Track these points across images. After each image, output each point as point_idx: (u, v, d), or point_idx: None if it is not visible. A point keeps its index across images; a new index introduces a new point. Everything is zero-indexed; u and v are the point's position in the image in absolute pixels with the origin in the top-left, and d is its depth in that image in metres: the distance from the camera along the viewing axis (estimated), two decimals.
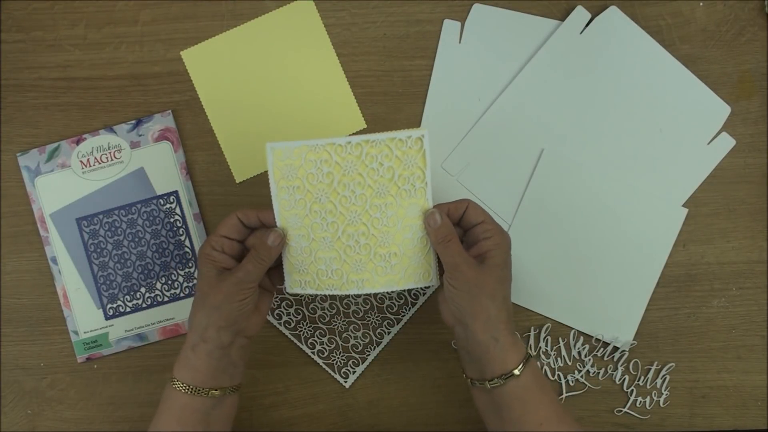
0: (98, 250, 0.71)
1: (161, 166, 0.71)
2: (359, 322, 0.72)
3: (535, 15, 0.72)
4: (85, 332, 0.71)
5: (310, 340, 0.72)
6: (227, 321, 0.58)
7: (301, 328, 0.72)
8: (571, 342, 0.72)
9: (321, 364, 0.71)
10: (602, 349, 0.72)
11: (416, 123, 0.72)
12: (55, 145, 0.71)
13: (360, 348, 0.72)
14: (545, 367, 0.72)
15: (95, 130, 0.71)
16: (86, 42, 0.72)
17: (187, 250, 0.72)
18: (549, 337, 0.72)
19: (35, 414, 0.71)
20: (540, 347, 0.72)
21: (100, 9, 0.72)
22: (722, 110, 0.72)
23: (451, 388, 0.72)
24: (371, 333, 0.72)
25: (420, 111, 0.72)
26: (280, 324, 0.71)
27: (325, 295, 0.71)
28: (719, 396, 0.72)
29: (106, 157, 0.71)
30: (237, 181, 0.72)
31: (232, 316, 0.58)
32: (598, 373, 0.72)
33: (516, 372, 0.57)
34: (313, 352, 0.71)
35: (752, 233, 0.72)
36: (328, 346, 0.71)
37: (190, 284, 0.72)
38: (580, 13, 0.71)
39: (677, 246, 0.72)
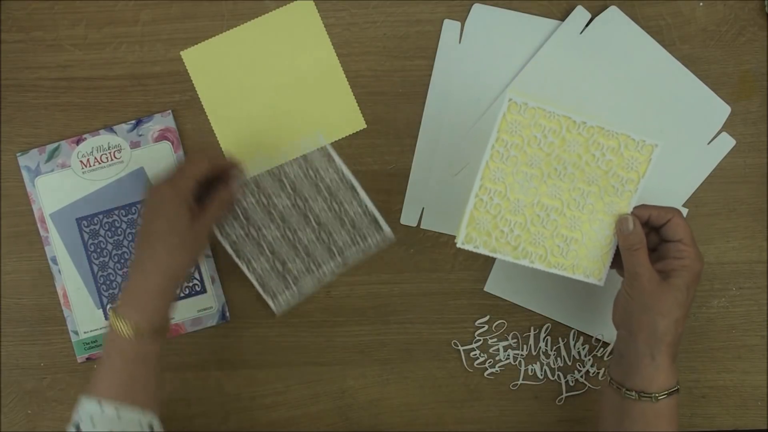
0: (98, 250, 0.71)
1: (161, 166, 0.71)
2: (306, 257, 0.71)
3: (535, 15, 0.72)
4: (85, 332, 0.71)
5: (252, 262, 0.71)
6: (196, 259, 0.63)
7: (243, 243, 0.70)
8: (571, 342, 0.72)
9: (255, 285, 0.70)
10: (602, 349, 0.72)
11: (416, 123, 0.72)
12: (55, 145, 0.71)
13: (295, 274, 0.71)
14: (545, 367, 0.72)
15: (95, 130, 0.71)
16: (86, 42, 0.72)
17: None
18: (549, 337, 0.72)
19: (35, 414, 0.71)
20: (540, 347, 0.72)
21: (100, 9, 0.72)
22: (722, 110, 0.72)
23: (451, 388, 0.72)
24: (315, 267, 0.71)
25: (420, 111, 0.72)
26: (222, 236, 0.70)
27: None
28: (719, 396, 0.72)
29: (106, 157, 0.71)
30: None
31: (202, 253, 0.63)
32: (598, 373, 0.72)
33: (657, 396, 0.57)
34: (249, 271, 0.70)
35: (752, 233, 0.72)
36: (266, 266, 0.71)
37: (190, 284, 0.72)
38: (580, 13, 0.71)
39: None
